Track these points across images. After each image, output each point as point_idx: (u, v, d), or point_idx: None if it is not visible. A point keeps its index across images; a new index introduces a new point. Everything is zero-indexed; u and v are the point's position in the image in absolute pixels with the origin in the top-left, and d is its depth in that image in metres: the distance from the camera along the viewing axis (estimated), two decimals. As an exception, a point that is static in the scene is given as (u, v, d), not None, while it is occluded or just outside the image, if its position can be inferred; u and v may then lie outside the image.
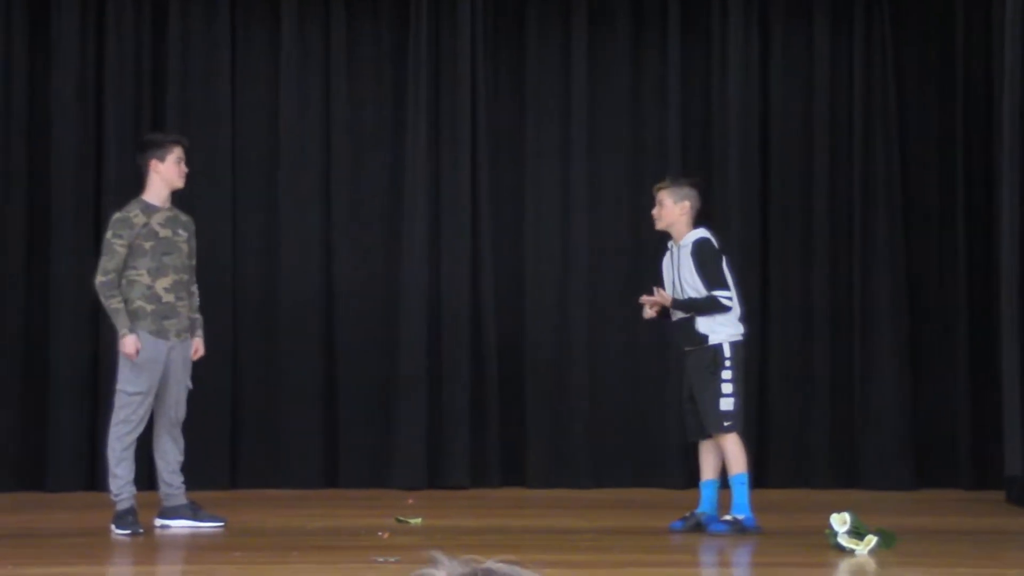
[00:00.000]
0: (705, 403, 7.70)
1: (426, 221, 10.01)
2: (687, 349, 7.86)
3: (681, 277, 7.79)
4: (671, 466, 9.86)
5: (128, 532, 7.55)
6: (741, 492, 7.65)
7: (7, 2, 9.78)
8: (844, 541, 6.94)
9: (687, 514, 7.81)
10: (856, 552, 6.89)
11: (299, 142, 10.06)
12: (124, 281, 7.69)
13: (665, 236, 8.04)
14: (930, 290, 10.16)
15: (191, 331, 7.85)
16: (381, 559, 6.57)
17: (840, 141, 10.22)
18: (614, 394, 10.08)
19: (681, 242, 7.82)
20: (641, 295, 7.92)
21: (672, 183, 7.98)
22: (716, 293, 7.69)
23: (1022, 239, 8.48)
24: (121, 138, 9.70)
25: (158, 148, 7.85)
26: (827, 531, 7.04)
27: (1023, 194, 8.50)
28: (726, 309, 7.71)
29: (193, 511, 7.84)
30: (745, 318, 7.91)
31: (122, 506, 7.62)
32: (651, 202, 8.03)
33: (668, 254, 7.96)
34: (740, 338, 7.77)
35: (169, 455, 7.81)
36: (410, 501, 8.99)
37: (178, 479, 7.82)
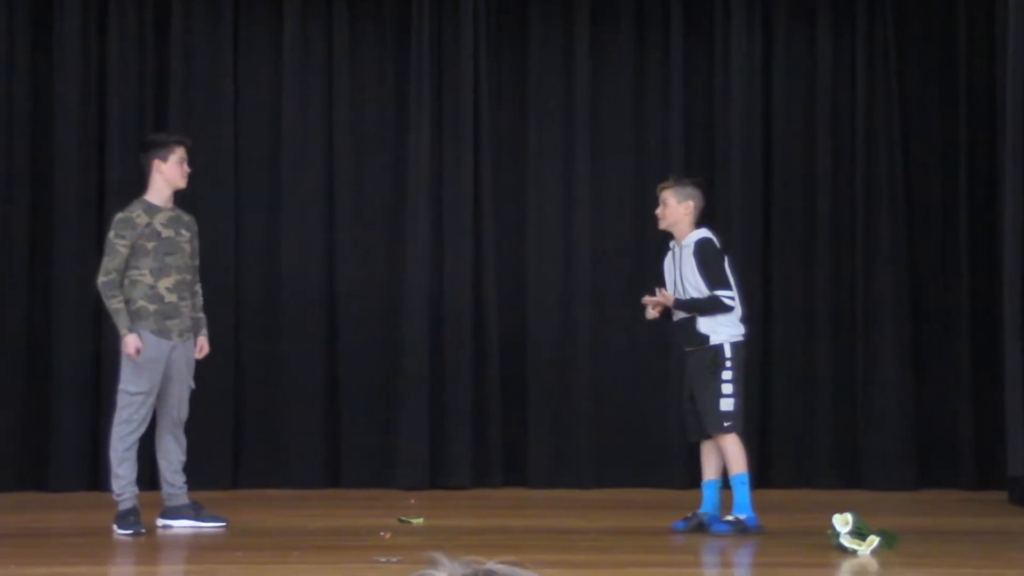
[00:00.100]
0: (705, 403, 7.70)
1: (428, 221, 10.01)
2: (688, 350, 7.86)
3: (683, 277, 7.79)
4: (673, 466, 9.86)
5: (130, 532, 7.55)
6: (742, 492, 7.65)
7: (10, 3, 9.79)
8: (846, 541, 6.94)
9: (689, 514, 7.81)
10: (858, 553, 6.88)
11: (301, 142, 10.06)
12: (127, 281, 7.70)
13: (667, 236, 8.04)
14: (932, 291, 10.16)
15: (194, 331, 7.86)
16: (383, 559, 6.57)
17: (842, 142, 10.22)
18: (616, 394, 10.08)
19: (683, 242, 7.82)
20: (643, 295, 7.92)
21: (676, 183, 7.98)
22: (719, 293, 7.69)
23: (1024, 239, 8.48)
24: (124, 139, 9.70)
25: (161, 148, 7.85)
26: (829, 531, 7.04)
27: (1026, 194, 8.50)
28: (728, 309, 7.71)
29: (195, 511, 7.84)
30: (746, 319, 7.90)
31: (124, 506, 7.62)
32: (653, 202, 8.03)
33: (670, 254, 7.96)
34: (741, 339, 7.77)
35: (171, 455, 7.81)
36: (412, 501, 8.99)
37: (180, 479, 7.82)
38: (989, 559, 6.95)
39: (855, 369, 10.06)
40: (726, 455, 7.69)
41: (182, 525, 7.79)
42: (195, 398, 7.92)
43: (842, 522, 6.99)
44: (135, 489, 7.64)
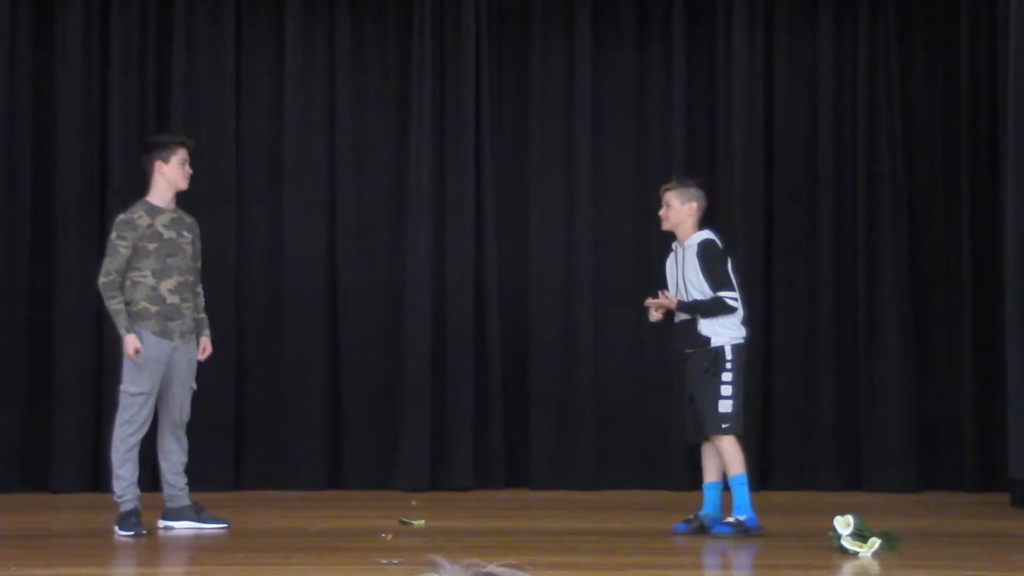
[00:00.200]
0: (704, 404, 7.69)
1: (430, 222, 10.01)
2: (688, 351, 7.85)
3: (685, 278, 7.78)
4: (675, 468, 9.85)
5: (131, 533, 7.54)
6: (741, 493, 7.65)
7: (12, 2, 9.79)
8: (848, 543, 6.93)
9: (691, 516, 7.81)
10: (860, 554, 6.88)
11: (303, 143, 10.06)
12: (128, 282, 7.69)
13: (669, 237, 8.03)
14: (935, 292, 10.15)
15: (197, 332, 7.85)
16: (384, 561, 6.57)
17: (844, 142, 10.21)
18: (617, 396, 10.07)
19: (686, 243, 7.81)
20: (646, 297, 7.91)
21: (679, 184, 7.97)
22: (722, 294, 7.68)
23: (1027, 241, 8.47)
24: (125, 139, 9.70)
25: (162, 149, 7.85)
26: (831, 533, 7.03)
27: (1028, 196, 8.49)
28: (732, 310, 7.70)
29: (196, 512, 7.83)
30: (748, 321, 7.90)
31: (125, 507, 7.62)
32: (656, 203, 8.03)
33: (672, 255, 7.94)
34: (742, 341, 7.76)
35: (173, 456, 7.80)
36: (413, 503, 8.99)
37: (182, 480, 7.82)
38: (991, 561, 6.93)
39: (857, 371, 10.05)
40: (724, 456, 7.68)
41: (183, 526, 7.79)
42: (197, 399, 7.92)
43: (844, 524, 6.98)
44: (136, 490, 7.64)
